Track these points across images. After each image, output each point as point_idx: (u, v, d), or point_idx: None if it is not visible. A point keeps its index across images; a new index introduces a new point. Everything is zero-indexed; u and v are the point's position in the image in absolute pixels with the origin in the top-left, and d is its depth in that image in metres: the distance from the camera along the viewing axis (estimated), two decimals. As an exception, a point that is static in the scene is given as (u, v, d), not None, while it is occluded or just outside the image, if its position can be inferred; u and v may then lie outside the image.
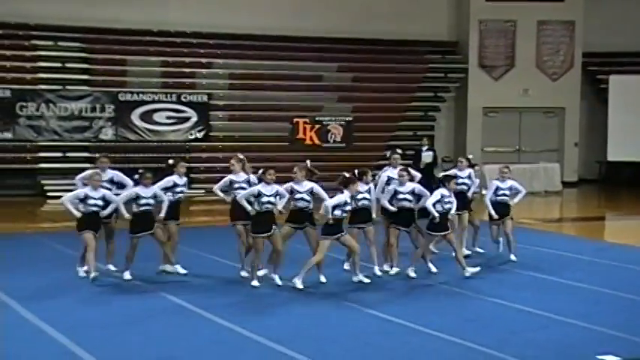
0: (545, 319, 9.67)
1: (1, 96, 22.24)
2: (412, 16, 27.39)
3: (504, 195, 13.29)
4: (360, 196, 11.65)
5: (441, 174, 13.03)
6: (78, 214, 11.21)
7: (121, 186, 11.93)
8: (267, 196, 11.04)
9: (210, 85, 25.02)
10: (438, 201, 11.70)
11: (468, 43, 27.71)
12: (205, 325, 9.31)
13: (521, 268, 12.42)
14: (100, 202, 11.29)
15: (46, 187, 22.02)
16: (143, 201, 11.34)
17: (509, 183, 13.43)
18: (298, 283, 10.93)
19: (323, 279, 11.29)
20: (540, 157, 27.32)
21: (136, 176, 11.62)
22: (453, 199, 11.83)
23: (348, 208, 11.25)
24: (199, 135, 24.28)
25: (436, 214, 11.58)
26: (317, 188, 11.30)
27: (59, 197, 11.67)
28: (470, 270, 11.74)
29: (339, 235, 11.14)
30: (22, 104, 22.47)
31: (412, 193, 11.95)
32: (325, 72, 26.38)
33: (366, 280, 11.34)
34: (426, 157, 20.70)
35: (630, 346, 8.53)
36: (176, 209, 11.88)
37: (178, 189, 11.91)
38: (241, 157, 12.18)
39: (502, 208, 13.20)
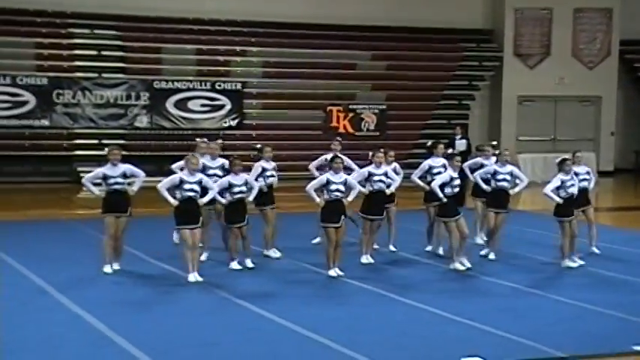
0: (580, 309, 9.61)
1: (38, 84, 22.47)
2: (447, 4, 27.22)
3: (504, 181, 12.25)
4: (376, 178, 11.75)
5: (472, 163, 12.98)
6: (174, 202, 10.61)
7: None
8: (237, 186, 11.21)
9: (245, 73, 25.08)
10: (447, 183, 11.46)
11: (504, 31, 27.48)
12: (244, 313, 9.37)
13: (556, 258, 12.32)
14: (197, 188, 10.63)
15: (81, 175, 22.18)
16: (236, 189, 11.26)
17: (509, 168, 12.35)
18: (459, 265, 11.34)
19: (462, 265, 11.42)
20: (576, 146, 26.78)
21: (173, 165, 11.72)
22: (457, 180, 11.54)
23: (456, 183, 11.41)
24: (233, 123, 24.36)
25: (442, 196, 11.42)
26: (349, 180, 11.22)
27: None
28: (462, 264, 11.51)
29: (458, 216, 11.37)
30: (59, 92, 22.69)
31: (511, 174, 12.19)
32: (359, 60, 26.32)
33: (467, 264, 11.43)
34: (460, 145, 20.53)
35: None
36: (270, 194, 12.05)
37: (268, 173, 12.04)
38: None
39: (502, 197, 12.26)
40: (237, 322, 8.92)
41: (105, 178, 11.02)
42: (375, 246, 12.35)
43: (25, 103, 22.36)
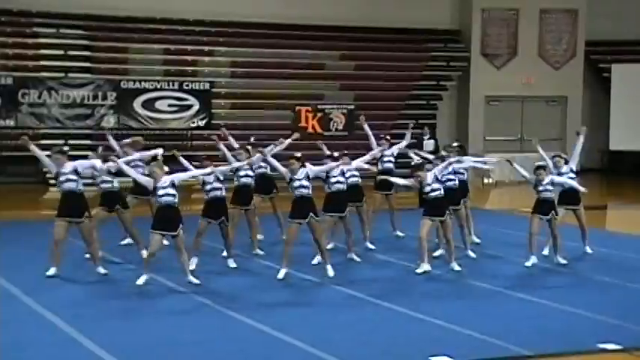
0: (545, 308, 9.70)
1: (3, 83, 22.22)
2: (415, 5, 27.33)
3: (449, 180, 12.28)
4: (333, 179, 11.78)
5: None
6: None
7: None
8: (210, 183, 11.33)
9: (212, 73, 25.00)
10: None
11: (471, 31, 27.65)
12: (214, 314, 9.36)
13: (523, 257, 12.42)
14: (172, 191, 10.35)
15: (48, 175, 22.01)
16: (208, 187, 11.37)
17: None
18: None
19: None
20: (543, 145, 27.20)
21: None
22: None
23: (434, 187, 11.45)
24: (201, 123, 24.26)
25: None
26: (312, 169, 11.24)
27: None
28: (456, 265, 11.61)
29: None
30: (25, 92, 22.46)
31: (552, 183, 12.15)
32: (327, 60, 26.35)
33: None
34: (428, 145, 20.67)
35: (632, 334, 8.56)
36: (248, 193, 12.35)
37: (242, 172, 12.31)
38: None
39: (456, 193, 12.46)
40: (207, 324, 8.90)
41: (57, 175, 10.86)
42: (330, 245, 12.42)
43: (-11, 102, 22.11)
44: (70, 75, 23.20)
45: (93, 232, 11.04)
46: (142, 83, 23.64)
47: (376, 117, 26.32)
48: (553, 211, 11.93)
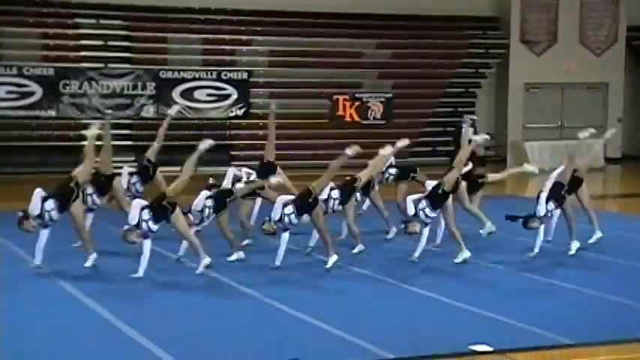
0: (585, 296, 9.64)
1: (45, 74, 22.50)
2: (453, -9, 27.14)
3: None
4: None
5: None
6: None
7: None
8: None
9: (251, 62, 25.07)
10: None
11: (510, 18, 27.39)
12: (250, 301, 9.42)
13: (559, 245, 12.32)
14: None
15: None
16: None
17: None
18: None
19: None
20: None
21: None
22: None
23: None
24: (239, 112, 24.37)
25: None
26: None
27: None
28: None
29: None
30: (66, 82, 22.72)
31: None
32: (365, 49, 26.28)
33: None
34: (467, 133, 20.52)
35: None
36: None
37: None
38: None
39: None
40: (244, 312, 8.96)
41: None
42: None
43: (31, 93, 22.40)
44: (110, 65, 23.42)
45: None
46: (181, 73, 23.79)
47: (415, 105, 26.32)
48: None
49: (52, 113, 22.72)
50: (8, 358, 7.31)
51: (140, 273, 10.22)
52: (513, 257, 11.68)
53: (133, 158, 21.30)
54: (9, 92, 22.20)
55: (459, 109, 25.40)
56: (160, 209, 10.29)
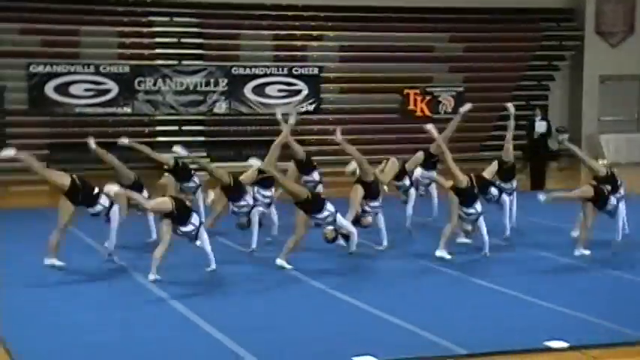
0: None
1: (120, 72, 22.96)
2: (525, -17, 26.75)
3: None
4: None
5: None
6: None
7: None
8: None
9: (321, 57, 25.14)
10: None
11: (585, 9, 26.87)
12: (323, 297, 9.49)
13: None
14: None
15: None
16: None
17: None
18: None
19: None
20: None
21: None
22: None
23: None
24: (310, 108, 24.47)
25: None
26: None
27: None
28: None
29: None
30: (141, 79, 23.14)
31: None
32: (436, 42, 26.10)
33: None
34: (540, 127, 20.24)
35: None
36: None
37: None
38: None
39: None
40: (317, 307, 9.02)
41: None
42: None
43: (108, 91, 22.88)
44: (184, 62, 23.76)
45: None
46: (253, 69, 24.00)
47: (486, 99, 26.00)
48: None
49: (128, 110, 23.16)
50: (89, 349, 7.51)
51: (212, 265, 10.35)
52: (592, 252, 11.49)
53: (204, 154, 21.61)
54: (86, 90, 22.71)
55: (532, 103, 25.01)
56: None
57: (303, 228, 10.61)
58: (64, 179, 10.63)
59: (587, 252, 11.24)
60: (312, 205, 10.58)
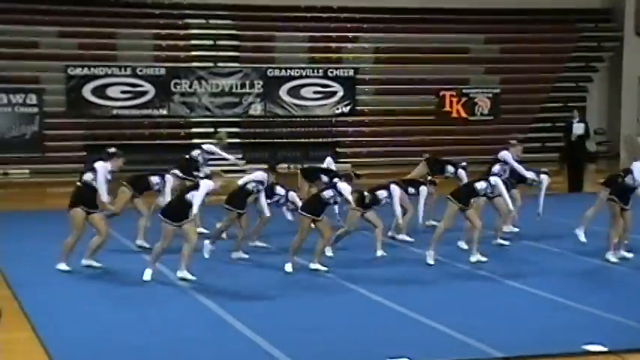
0: None
1: (157, 74, 23.11)
2: (563, -16, 26.50)
3: None
4: None
5: None
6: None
7: None
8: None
9: (357, 59, 25.11)
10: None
11: (624, 9, 26.53)
12: (356, 298, 9.46)
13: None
14: None
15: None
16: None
17: None
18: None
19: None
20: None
21: None
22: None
23: None
24: (345, 109, 24.45)
25: None
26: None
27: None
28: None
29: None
30: (177, 82, 23.28)
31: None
32: (472, 44, 25.95)
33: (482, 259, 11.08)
34: (577, 128, 20.02)
35: None
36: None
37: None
38: None
39: None
40: (352, 308, 8.99)
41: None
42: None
43: (144, 93, 23.05)
44: (219, 64, 23.86)
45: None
46: (288, 71, 24.04)
47: (523, 101, 25.83)
48: None
49: (164, 112, 23.31)
50: (127, 350, 7.55)
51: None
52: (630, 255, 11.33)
53: (240, 156, 21.66)
54: (123, 92, 22.90)
55: (569, 104, 24.76)
56: None
57: (328, 230, 10.60)
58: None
59: (629, 254, 11.08)
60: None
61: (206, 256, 11.14)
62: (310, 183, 13.75)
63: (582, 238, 11.89)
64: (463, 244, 11.76)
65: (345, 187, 10.64)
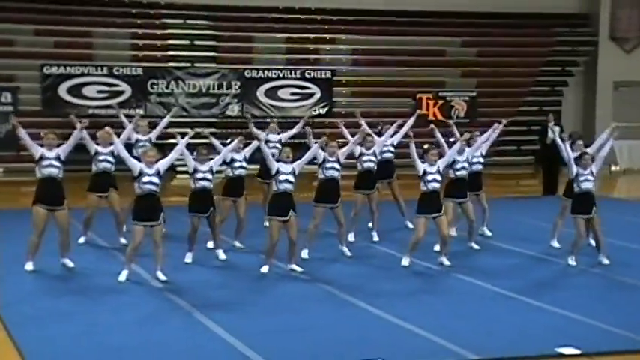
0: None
1: (134, 74, 23.01)
2: (539, -12, 26.69)
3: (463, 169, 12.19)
4: (328, 165, 11.31)
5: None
6: None
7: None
8: (202, 172, 11.14)
9: (334, 61, 25.15)
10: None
11: (599, 14, 26.78)
12: (334, 302, 9.47)
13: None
14: (156, 180, 10.11)
15: (175, 163, 22.62)
16: (200, 175, 11.11)
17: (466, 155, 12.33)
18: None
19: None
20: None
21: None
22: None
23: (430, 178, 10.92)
24: (322, 111, 24.47)
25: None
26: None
27: (186, 172, 11.80)
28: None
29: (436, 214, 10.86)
30: (154, 82, 23.19)
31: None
32: (449, 47, 26.07)
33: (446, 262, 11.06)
34: (553, 132, 20.18)
35: None
36: (237, 185, 11.90)
37: (237, 164, 11.95)
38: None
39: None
40: (329, 311, 9.00)
41: (41, 158, 10.45)
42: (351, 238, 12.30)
43: (121, 92, 22.93)
44: (196, 65, 23.81)
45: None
46: (265, 72, 24.03)
47: (499, 104, 25.97)
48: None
49: (140, 112, 23.14)
50: (101, 351, 7.52)
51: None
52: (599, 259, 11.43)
53: (213, 157, 21.58)
54: (100, 92, 22.77)
55: (545, 108, 24.96)
56: None
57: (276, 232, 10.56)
58: None
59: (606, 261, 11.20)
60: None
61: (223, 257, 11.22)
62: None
63: (555, 244, 12.03)
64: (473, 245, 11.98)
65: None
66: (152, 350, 7.56)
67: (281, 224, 10.42)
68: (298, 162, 10.63)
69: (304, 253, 11.20)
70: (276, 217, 10.42)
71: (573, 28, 27.24)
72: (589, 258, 11.45)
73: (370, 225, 12.84)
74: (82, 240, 12.10)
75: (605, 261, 11.09)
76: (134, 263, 10.25)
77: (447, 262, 10.99)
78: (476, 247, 12.07)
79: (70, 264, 10.63)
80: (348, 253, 11.50)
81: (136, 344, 7.70)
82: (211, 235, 11.51)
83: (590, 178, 11.00)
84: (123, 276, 10.04)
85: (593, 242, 11.73)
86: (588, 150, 11.51)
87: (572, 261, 11.10)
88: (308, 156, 10.89)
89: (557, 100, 26.52)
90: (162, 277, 10.00)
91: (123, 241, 11.89)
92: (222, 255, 11.30)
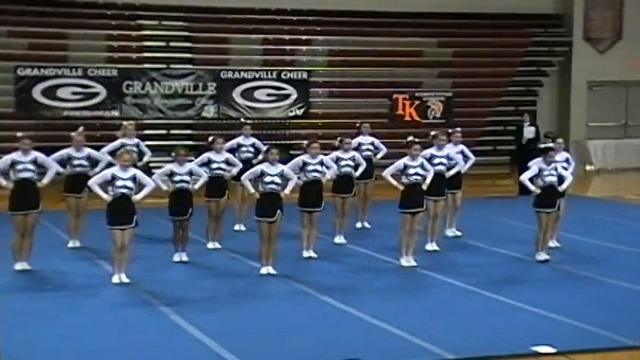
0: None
1: (108, 75, 22.87)
2: (514, -11, 26.81)
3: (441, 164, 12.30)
4: (310, 167, 11.40)
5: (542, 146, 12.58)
6: (107, 197, 10.03)
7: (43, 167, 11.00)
8: (180, 175, 11.12)
9: (310, 62, 25.14)
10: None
11: (573, 15, 26.96)
12: (311, 303, 9.46)
13: (632, 245, 12.09)
14: (131, 184, 10.05)
15: (150, 164, 22.53)
16: (178, 177, 11.08)
17: (446, 151, 12.53)
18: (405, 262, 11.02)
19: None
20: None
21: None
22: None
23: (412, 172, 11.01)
24: (299, 112, 24.45)
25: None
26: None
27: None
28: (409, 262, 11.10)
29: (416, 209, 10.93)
30: (129, 83, 23.05)
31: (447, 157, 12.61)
32: (425, 47, 26.13)
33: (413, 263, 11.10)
34: (528, 132, 20.31)
35: None
36: (217, 186, 11.96)
37: (215, 165, 12.02)
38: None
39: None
40: (305, 311, 9.00)
41: (14, 164, 10.58)
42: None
43: (95, 94, 22.77)
44: (172, 66, 23.69)
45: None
46: (241, 73, 23.95)
47: (475, 104, 26.07)
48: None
49: (115, 114, 23.05)
50: (80, 354, 7.47)
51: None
52: (575, 258, 11.50)
53: (193, 158, 21.52)
54: (74, 93, 22.60)
55: (520, 108, 25.08)
56: None
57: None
58: None
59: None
60: None
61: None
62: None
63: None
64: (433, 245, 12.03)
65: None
66: (130, 352, 7.53)
67: (269, 224, 10.45)
68: (288, 166, 10.83)
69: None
70: (265, 217, 10.45)
71: (548, 28, 27.39)
72: (563, 256, 11.54)
73: (339, 228, 12.72)
74: (70, 244, 12.02)
75: (552, 244, 11.50)
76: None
77: (413, 263, 10.97)
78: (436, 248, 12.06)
79: (27, 267, 10.61)
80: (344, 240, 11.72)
81: (115, 346, 7.67)
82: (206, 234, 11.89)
83: (554, 172, 11.09)
84: (116, 279, 9.99)
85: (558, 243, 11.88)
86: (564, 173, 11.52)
87: (542, 256, 11.16)
88: (295, 163, 11.19)
89: (532, 100, 26.65)
90: (125, 279, 9.97)
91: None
92: (184, 257, 11.28)
